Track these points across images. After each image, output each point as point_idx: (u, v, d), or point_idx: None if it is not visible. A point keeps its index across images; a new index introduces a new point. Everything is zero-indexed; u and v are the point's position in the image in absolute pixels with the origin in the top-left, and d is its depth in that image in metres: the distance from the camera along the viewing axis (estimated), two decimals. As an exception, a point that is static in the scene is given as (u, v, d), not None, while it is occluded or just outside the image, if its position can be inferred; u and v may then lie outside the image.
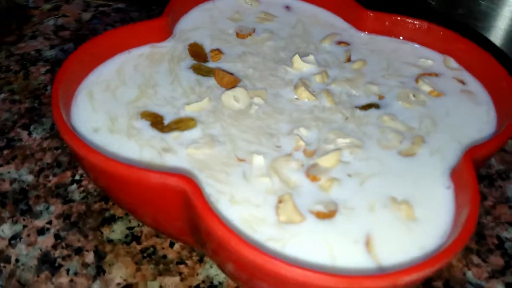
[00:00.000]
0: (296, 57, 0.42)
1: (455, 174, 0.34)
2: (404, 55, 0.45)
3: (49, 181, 0.46)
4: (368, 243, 0.31)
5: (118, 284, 0.39)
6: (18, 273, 0.40)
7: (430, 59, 0.45)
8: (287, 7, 0.50)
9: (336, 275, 0.25)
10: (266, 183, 0.34)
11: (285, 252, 0.30)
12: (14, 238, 0.42)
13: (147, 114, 0.37)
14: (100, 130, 0.36)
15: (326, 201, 0.33)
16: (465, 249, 0.42)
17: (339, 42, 0.46)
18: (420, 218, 0.33)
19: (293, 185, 0.34)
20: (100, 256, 0.40)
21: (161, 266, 0.40)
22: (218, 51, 0.44)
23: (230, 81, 0.40)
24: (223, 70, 0.42)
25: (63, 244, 0.41)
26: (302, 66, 0.43)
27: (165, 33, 0.44)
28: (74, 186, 0.45)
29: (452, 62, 0.45)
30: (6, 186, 0.45)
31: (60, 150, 0.48)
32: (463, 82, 0.43)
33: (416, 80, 0.43)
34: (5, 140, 0.50)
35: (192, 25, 0.46)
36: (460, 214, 0.31)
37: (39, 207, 0.44)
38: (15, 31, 0.63)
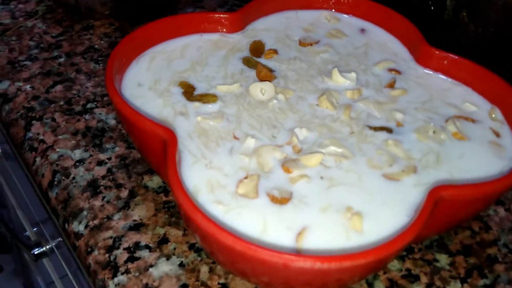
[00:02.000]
0: (335, 70, 0.46)
1: (419, 207, 0.35)
2: (452, 96, 0.45)
3: (124, 129, 0.55)
4: (300, 234, 0.33)
5: (134, 220, 0.46)
6: (70, 187, 0.49)
7: (477, 105, 0.45)
8: (362, 30, 0.53)
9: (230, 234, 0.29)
10: (244, 161, 0.38)
11: (225, 218, 0.34)
12: (79, 162, 0.52)
13: (184, 84, 0.44)
14: (143, 85, 0.44)
15: (287, 189, 0.36)
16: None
17: (391, 70, 0.48)
18: (365, 231, 0.34)
19: (266, 170, 0.38)
20: (132, 195, 0.48)
21: (173, 219, 0.46)
22: (274, 51, 0.49)
23: (266, 76, 0.45)
24: (266, 66, 0.47)
25: (110, 177, 0.50)
26: (339, 80, 0.45)
27: (237, 27, 0.50)
28: (140, 137, 0.54)
29: (498, 113, 0.44)
30: (93, 123, 0.56)
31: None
32: (498, 134, 0.42)
33: (446, 120, 0.43)
34: (108, 90, 0.61)
35: (266, 26, 0.52)
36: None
37: (108, 145, 0.53)
38: (156, 13, 0.76)
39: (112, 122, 0.55)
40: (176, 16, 0.47)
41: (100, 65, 0.64)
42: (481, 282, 0.42)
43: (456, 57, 0.46)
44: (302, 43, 0.50)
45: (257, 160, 0.38)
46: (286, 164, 0.38)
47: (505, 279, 0.43)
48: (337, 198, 0.36)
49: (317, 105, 0.43)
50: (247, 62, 0.47)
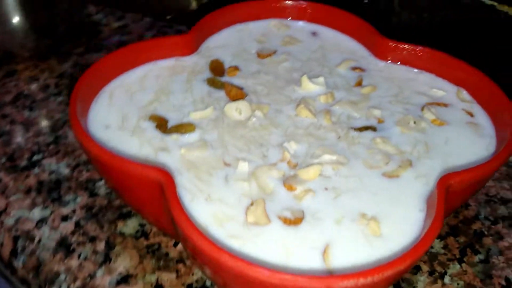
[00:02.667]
0: (305, 77, 0.45)
1: (430, 199, 0.35)
2: (418, 85, 0.46)
3: (82, 176, 0.51)
4: (325, 251, 0.32)
5: (120, 273, 0.42)
6: (38, 252, 0.44)
7: (444, 90, 0.46)
8: (314, 33, 0.52)
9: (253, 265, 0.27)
10: (244, 186, 0.36)
11: (243, 250, 0.32)
12: (41, 221, 0.47)
13: (154, 117, 0.41)
14: (111, 126, 0.40)
15: (295, 209, 0.35)
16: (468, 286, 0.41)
17: (354, 68, 0.48)
18: (384, 234, 0.33)
19: (269, 192, 0.36)
20: (110, 246, 0.44)
21: (161, 262, 0.43)
22: (235, 68, 0.47)
23: (237, 94, 0.43)
24: (233, 85, 0.45)
25: (80, 231, 0.46)
26: (309, 87, 0.45)
27: (190, 48, 0.48)
28: (101, 182, 0.50)
29: (465, 94, 0.45)
30: (45, 176, 0.51)
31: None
32: (471, 114, 0.43)
33: (422, 109, 0.44)
34: (53, 137, 0.56)
35: (219, 43, 0.50)
36: (421, 235, 0.32)
37: (68, 197, 0.49)
38: (84, 44, 0.71)
39: (66, 171, 0.51)
40: (129, 47, 0.44)
41: (35, 111, 0.59)
42: (476, 258, 0.43)
43: (413, 46, 0.47)
44: (260, 55, 0.49)
45: (257, 183, 0.36)
46: (287, 182, 0.36)
47: (496, 251, 0.44)
48: (347, 206, 0.35)
49: (296, 115, 0.42)
50: (212, 83, 0.45)
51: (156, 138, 0.40)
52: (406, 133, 0.41)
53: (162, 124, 0.41)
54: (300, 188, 0.36)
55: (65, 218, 0.47)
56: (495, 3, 0.58)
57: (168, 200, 0.32)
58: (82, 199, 0.48)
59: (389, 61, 0.48)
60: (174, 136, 0.40)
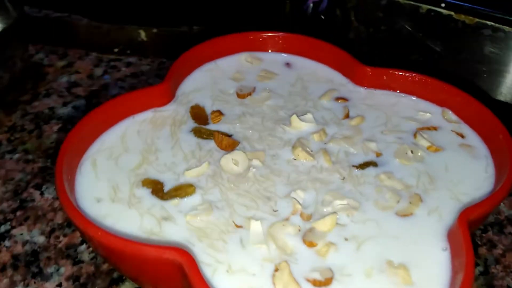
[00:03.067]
0: (294, 117, 0.43)
1: (451, 236, 0.35)
2: (403, 109, 0.46)
3: (60, 242, 0.47)
4: (363, 311, 0.31)
5: None
6: (29, 337, 0.40)
7: (429, 112, 0.46)
8: (288, 64, 0.51)
9: None
10: (263, 250, 0.34)
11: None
12: (25, 302, 0.43)
13: (148, 182, 0.39)
14: (103, 200, 0.37)
15: (322, 268, 0.33)
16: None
17: (338, 98, 0.47)
18: (416, 282, 0.33)
19: (290, 252, 0.34)
20: (107, 317, 0.41)
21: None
22: (219, 113, 0.45)
23: (229, 144, 0.41)
24: (222, 133, 0.43)
25: (71, 306, 0.42)
26: (300, 125, 0.43)
27: (167, 97, 0.45)
28: (84, 246, 0.46)
29: (451, 115, 0.45)
30: (19, 248, 0.47)
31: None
32: (462, 136, 0.44)
33: (414, 135, 0.43)
34: (18, 201, 0.51)
35: (194, 87, 0.48)
36: (456, 278, 0.31)
37: (49, 269, 0.45)
38: (30, 90, 0.66)
39: (41, 239, 0.47)
40: (98, 109, 0.41)
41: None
42: (476, 271, 0.44)
43: (392, 70, 0.47)
44: (240, 95, 0.47)
45: (275, 244, 0.35)
46: (307, 238, 0.35)
47: (492, 260, 0.45)
48: (372, 256, 0.34)
49: (294, 159, 0.41)
50: (199, 134, 0.43)
51: (155, 206, 0.37)
52: (407, 164, 0.41)
53: (158, 189, 0.38)
54: (321, 242, 0.35)
55: (51, 294, 0.43)
56: (452, 13, 0.59)
57: (193, 282, 0.29)
58: (66, 269, 0.45)
59: (369, 88, 0.48)
60: (175, 201, 0.37)
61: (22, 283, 0.44)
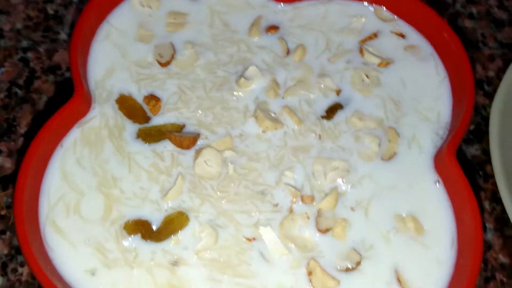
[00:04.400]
0: (241, 80, 0.39)
1: (438, 167, 0.37)
2: (336, 19, 0.43)
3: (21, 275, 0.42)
4: (399, 280, 0.34)
5: None
6: None
7: (362, 15, 0.43)
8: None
9: None
10: (286, 257, 0.34)
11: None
12: None
13: (131, 226, 0.34)
14: (97, 270, 0.33)
15: (347, 251, 0.34)
16: None
17: (268, 29, 0.42)
18: (427, 229, 0.35)
19: (310, 247, 0.35)
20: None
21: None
22: (153, 98, 0.39)
23: (190, 141, 0.37)
24: (173, 126, 0.38)
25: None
26: (249, 85, 0.39)
27: (86, 102, 0.37)
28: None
29: (384, 12, 0.43)
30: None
31: None
32: (403, 35, 0.43)
33: (360, 52, 0.42)
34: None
35: (104, 69, 0.40)
36: (462, 217, 0.34)
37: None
38: None
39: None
40: (29, 152, 0.34)
41: None
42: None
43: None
44: (163, 64, 0.41)
45: (295, 245, 0.35)
46: (320, 226, 0.35)
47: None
48: (382, 216, 0.36)
49: (263, 131, 0.38)
50: (148, 138, 0.38)
51: (156, 253, 0.34)
52: (368, 95, 0.40)
53: (147, 231, 0.34)
54: (334, 224, 0.35)
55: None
56: None
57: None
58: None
59: (292, 2, 0.43)
60: (174, 239, 0.34)
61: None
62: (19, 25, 0.51)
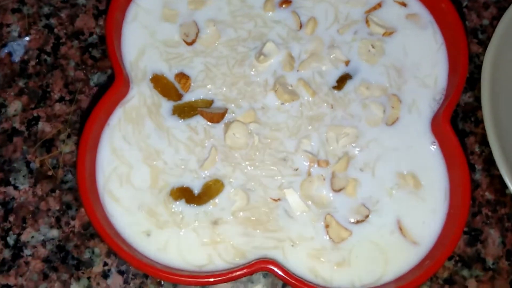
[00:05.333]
0: (260, 58, 0.44)
1: (434, 130, 0.43)
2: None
3: (74, 227, 0.49)
4: (400, 229, 0.41)
5: None
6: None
7: (365, -16, 0.47)
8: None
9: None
10: (306, 214, 0.41)
11: (351, 266, 0.40)
12: None
13: (176, 193, 0.41)
14: (152, 231, 0.40)
15: (357, 207, 0.41)
16: None
17: (281, 3, 0.46)
18: (424, 184, 0.42)
19: (327, 204, 0.41)
20: None
21: None
22: (184, 77, 0.44)
23: (219, 116, 0.42)
24: (203, 102, 0.43)
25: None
26: (267, 60, 0.44)
27: (126, 84, 0.42)
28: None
29: (387, -21, 0.47)
30: (42, 251, 0.48)
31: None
32: (404, 4, 0.47)
33: (366, 22, 0.46)
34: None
35: (136, 50, 0.44)
36: (453, 174, 0.41)
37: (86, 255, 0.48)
38: None
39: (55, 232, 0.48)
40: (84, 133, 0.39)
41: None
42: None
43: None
44: (189, 43, 0.45)
45: (313, 202, 0.41)
46: (334, 187, 0.42)
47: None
48: (386, 176, 0.42)
49: (282, 104, 0.44)
50: (182, 114, 0.43)
51: (199, 215, 0.41)
52: (374, 64, 0.45)
53: (190, 196, 0.41)
54: (346, 183, 0.42)
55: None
56: None
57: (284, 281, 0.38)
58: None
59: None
60: (213, 203, 0.41)
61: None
62: (38, -9, 0.52)
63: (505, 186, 0.46)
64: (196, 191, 0.41)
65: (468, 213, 0.41)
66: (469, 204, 0.40)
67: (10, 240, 0.47)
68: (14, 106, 0.50)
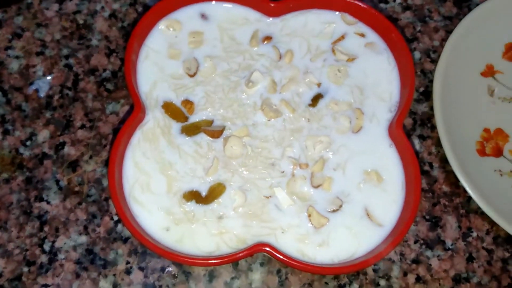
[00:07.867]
0: (249, 84, 0.54)
1: (391, 134, 0.53)
2: (313, 27, 0.57)
3: (99, 232, 0.58)
4: (368, 215, 0.52)
5: None
6: None
7: (332, 21, 0.58)
8: (203, 16, 0.57)
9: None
10: (292, 206, 0.51)
11: (330, 246, 0.50)
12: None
13: (188, 195, 0.51)
14: (170, 227, 0.50)
15: (333, 199, 0.52)
16: None
17: (264, 39, 0.57)
18: (385, 179, 0.53)
19: (308, 198, 0.52)
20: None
21: None
22: (188, 102, 0.54)
23: (219, 133, 0.53)
24: (205, 122, 0.53)
25: None
26: (255, 86, 0.55)
27: (143, 111, 0.53)
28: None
29: (348, 17, 0.58)
30: (73, 255, 0.58)
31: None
32: (363, 35, 0.58)
33: (333, 51, 0.57)
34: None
35: (149, 83, 0.54)
36: (408, 169, 0.52)
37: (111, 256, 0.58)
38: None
39: (83, 238, 0.58)
40: (113, 148, 0.49)
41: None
42: None
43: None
44: (190, 75, 0.55)
45: (297, 197, 0.52)
46: (314, 183, 0.52)
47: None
48: (354, 173, 0.53)
49: (268, 120, 0.54)
50: (188, 132, 0.53)
51: (206, 212, 0.51)
52: (341, 85, 0.56)
53: (199, 198, 0.51)
54: (322, 181, 0.52)
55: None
56: None
57: (278, 259, 0.48)
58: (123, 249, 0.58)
59: (280, 15, 0.57)
60: (216, 201, 0.51)
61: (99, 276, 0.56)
62: (57, 36, 0.62)
63: (458, 180, 0.55)
64: (203, 193, 0.51)
65: (420, 199, 0.52)
66: (420, 192, 0.50)
67: (46, 247, 0.54)
68: (43, 134, 0.58)
